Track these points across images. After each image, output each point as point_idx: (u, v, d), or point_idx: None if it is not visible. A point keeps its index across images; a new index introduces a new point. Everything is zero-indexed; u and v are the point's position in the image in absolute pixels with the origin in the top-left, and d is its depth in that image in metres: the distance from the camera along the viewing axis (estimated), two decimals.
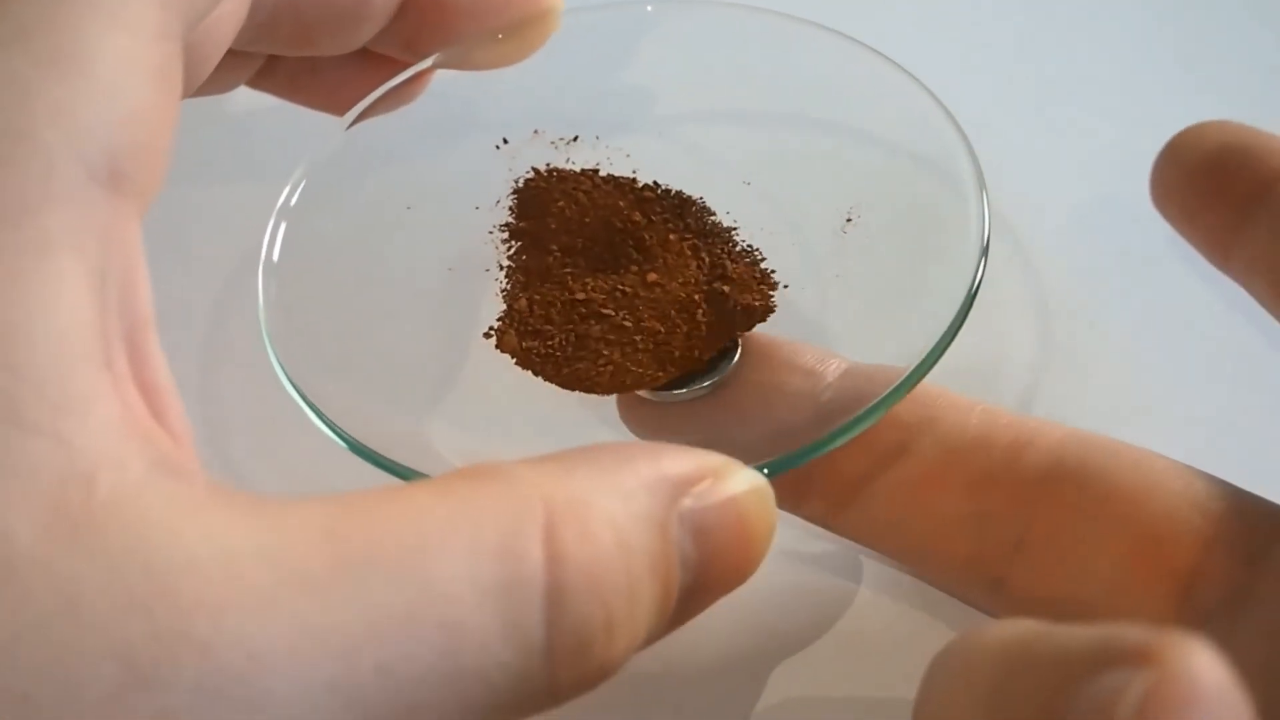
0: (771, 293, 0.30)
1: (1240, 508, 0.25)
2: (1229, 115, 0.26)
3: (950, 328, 0.27)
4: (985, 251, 0.28)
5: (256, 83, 0.34)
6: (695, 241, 0.31)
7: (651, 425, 0.30)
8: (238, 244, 0.36)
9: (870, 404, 0.26)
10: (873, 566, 0.31)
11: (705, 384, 0.29)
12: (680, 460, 0.21)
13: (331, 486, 0.19)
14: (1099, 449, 0.26)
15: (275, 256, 0.29)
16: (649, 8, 0.35)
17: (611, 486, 0.20)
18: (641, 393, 0.29)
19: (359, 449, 0.26)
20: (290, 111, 0.35)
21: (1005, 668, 0.18)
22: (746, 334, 0.29)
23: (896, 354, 0.27)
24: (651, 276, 0.30)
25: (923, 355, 0.26)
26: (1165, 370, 0.35)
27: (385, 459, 0.25)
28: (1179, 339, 0.35)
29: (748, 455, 0.23)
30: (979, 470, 0.27)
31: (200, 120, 0.32)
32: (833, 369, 0.28)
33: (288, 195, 0.30)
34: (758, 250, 0.31)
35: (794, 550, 0.31)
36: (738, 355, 0.29)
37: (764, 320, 0.30)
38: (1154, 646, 0.16)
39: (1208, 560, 0.24)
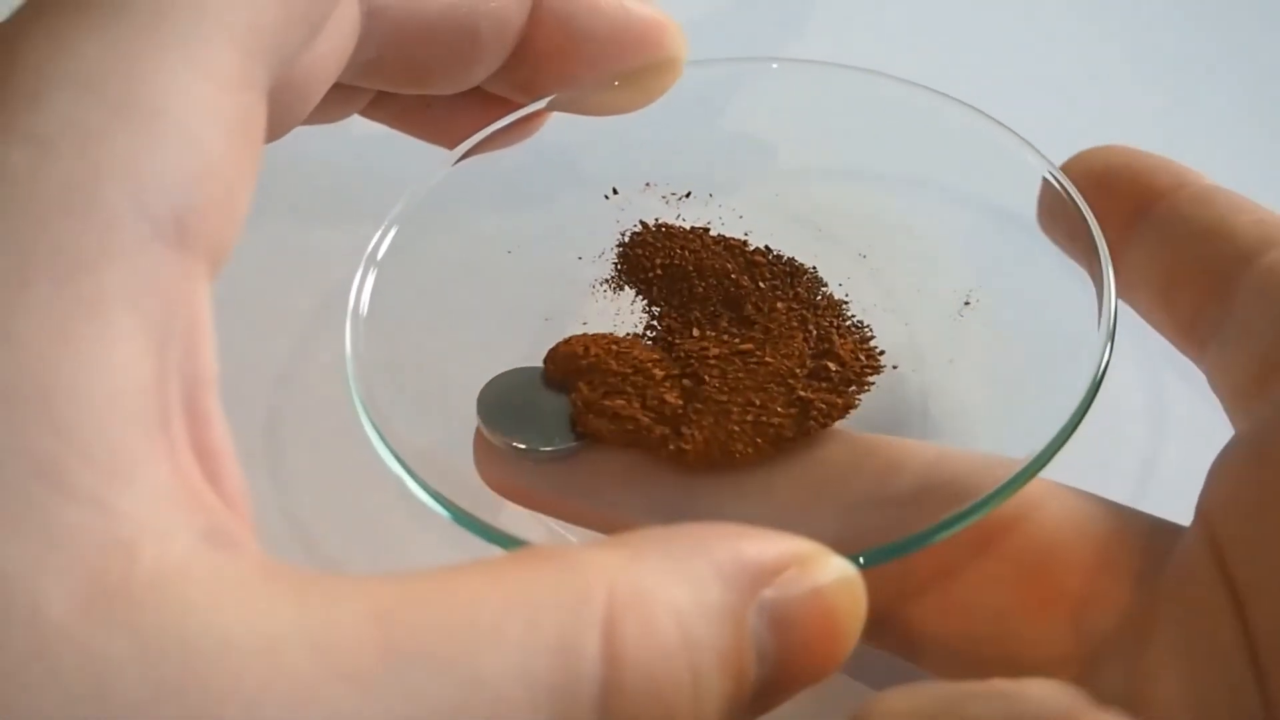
0: (873, 376, 0.29)
1: (1125, 526, 0.25)
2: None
3: (1073, 417, 0.25)
4: (1111, 337, 0.26)
5: (369, 113, 0.33)
6: (804, 313, 0.30)
7: (506, 479, 0.28)
8: (323, 279, 0.36)
9: (991, 491, 0.24)
10: None
11: (571, 445, 0.28)
12: (763, 546, 0.20)
13: (403, 544, 0.18)
14: (971, 472, 0.25)
15: (364, 309, 0.28)
16: (774, 65, 0.34)
17: (682, 574, 0.19)
18: (493, 439, 0.28)
19: (460, 517, 0.24)
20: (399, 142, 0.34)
21: None
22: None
23: (1012, 442, 0.25)
24: (749, 346, 0.29)
25: (1044, 444, 0.24)
26: None
27: (489, 528, 0.24)
28: None
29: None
30: (848, 499, 0.26)
31: (307, 146, 0.31)
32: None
33: (376, 243, 0.29)
34: (868, 327, 0.30)
35: None
36: None
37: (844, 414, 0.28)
38: None
39: (1096, 583, 0.24)
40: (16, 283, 0.17)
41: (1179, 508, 0.25)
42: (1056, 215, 0.28)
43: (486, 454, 0.28)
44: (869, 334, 0.30)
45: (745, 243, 0.31)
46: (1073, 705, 0.16)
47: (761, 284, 0.30)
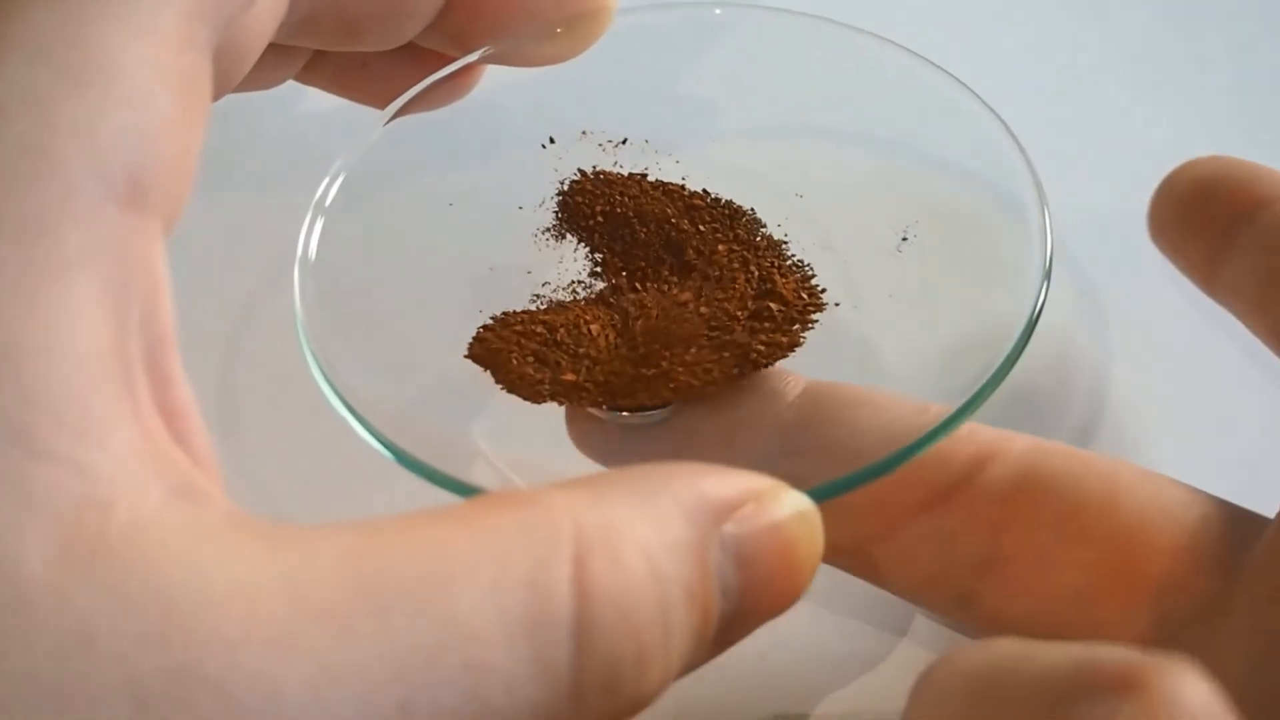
0: (816, 314, 0.29)
1: (1211, 515, 0.25)
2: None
3: (1011, 354, 0.26)
4: (1048, 275, 0.27)
5: (304, 77, 0.33)
6: (745, 254, 0.30)
7: (601, 448, 0.29)
8: (271, 248, 0.35)
9: (937, 424, 0.25)
10: (846, 587, 0.29)
11: (663, 409, 0.28)
12: (722, 483, 0.20)
13: (365, 502, 0.18)
14: (1064, 459, 0.26)
15: (312, 255, 0.28)
16: (717, 11, 0.34)
17: (647, 512, 0.19)
18: (595, 412, 0.28)
19: (409, 461, 0.25)
20: (333, 106, 0.34)
21: (985, 693, 0.18)
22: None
23: (952, 380, 0.26)
24: (687, 295, 0.29)
25: (982, 381, 0.25)
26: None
27: (437, 471, 0.24)
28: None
29: None
30: (939, 486, 0.26)
31: (242, 117, 0.31)
32: (790, 387, 0.28)
33: (324, 191, 0.29)
34: (809, 266, 0.30)
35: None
36: None
37: (788, 353, 0.28)
38: (1137, 671, 0.15)
39: (1179, 569, 0.24)
40: None
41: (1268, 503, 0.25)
42: (1165, 225, 0.28)
43: (579, 420, 0.29)
44: (810, 272, 0.30)
45: (683, 187, 0.32)
46: (1143, 654, 0.16)
47: (702, 227, 0.31)
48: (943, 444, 0.25)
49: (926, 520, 0.26)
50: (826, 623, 0.30)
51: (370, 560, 0.17)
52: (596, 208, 0.31)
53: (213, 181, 0.36)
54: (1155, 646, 0.23)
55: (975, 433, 0.26)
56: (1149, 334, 0.35)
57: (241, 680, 0.16)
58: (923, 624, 0.29)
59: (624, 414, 0.28)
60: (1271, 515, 0.24)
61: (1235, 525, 0.25)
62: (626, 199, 0.31)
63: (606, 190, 0.32)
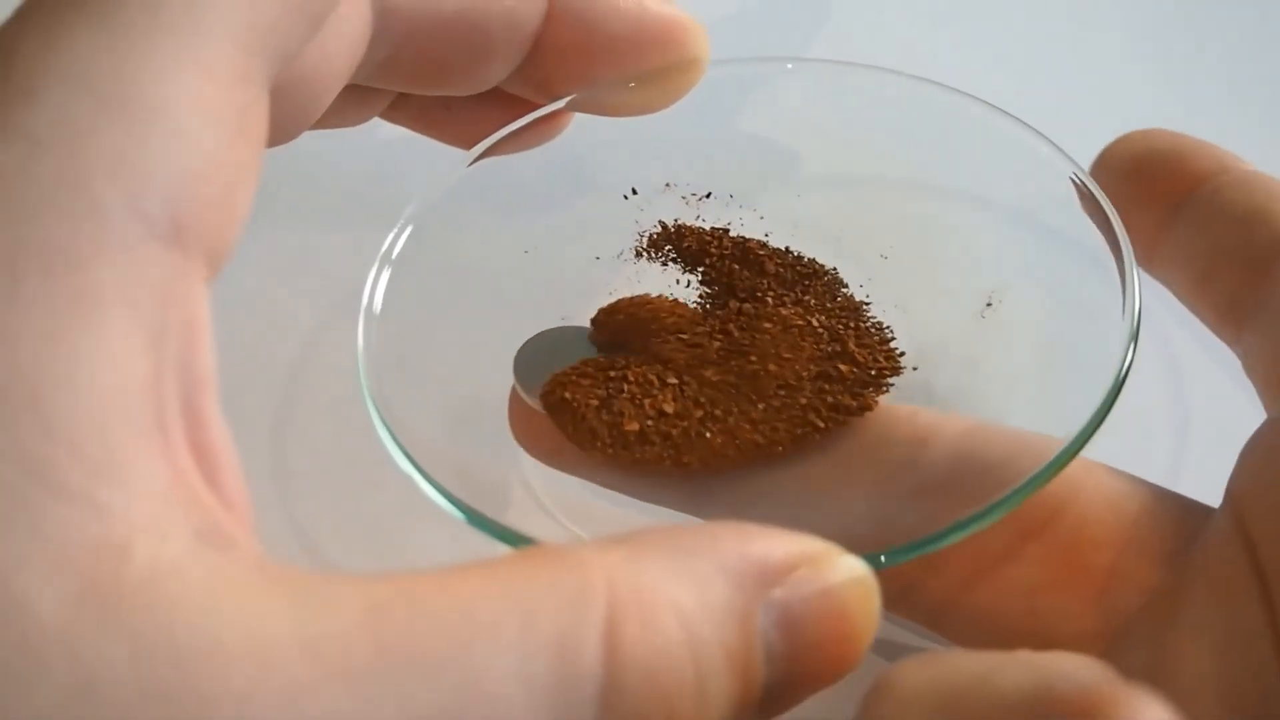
0: (892, 378, 0.28)
1: (1155, 506, 0.25)
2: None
3: (1096, 415, 0.24)
4: (1135, 337, 0.26)
5: (389, 115, 0.33)
6: (819, 314, 0.29)
7: (539, 439, 0.28)
8: (334, 282, 0.35)
9: (1017, 485, 0.24)
10: None
11: None
12: (771, 544, 0.20)
13: (415, 548, 0.18)
14: (1003, 444, 0.25)
15: (377, 307, 0.28)
16: (791, 66, 0.33)
17: (686, 573, 0.19)
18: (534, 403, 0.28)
19: (479, 521, 0.24)
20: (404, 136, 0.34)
21: (942, 714, 0.17)
22: None
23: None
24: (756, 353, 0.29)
25: (1072, 437, 0.24)
26: None
27: (502, 528, 0.24)
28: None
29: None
30: (879, 471, 0.26)
31: (325, 148, 0.31)
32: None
33: (392, 241, 0.29)
34: (889, 329, 0.29)
35: None
36: None
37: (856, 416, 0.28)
38: (1095, 696, 0.16)
39: (1124, 562, 0.24)
40: (8, 279, 0.17)
41: (1210, 492, 0.25)
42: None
43: (521, 413, 0.28)
44: (889, 335, 0.29)
45: (762, 244, 0.31)
46: (1100, 678, 0.16)
47: (777, 287, 0.30)
48: (883, 423, 0.26)
49: (864, 508, 0.26)
50: None
51: (393, 616, 0.17)
52: (674, 252, 0.31)
53: (286, 213, 0.36)
54: (1105, 639, 0.24)
55: (915, 414, 0.26)
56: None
57: None
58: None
59: None
60: (1216, 504, 0.24)
61: (1178, 515, 0.25)
62: (707, 252, 0.31)
63: (685, 240, 0.31)
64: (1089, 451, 0.24)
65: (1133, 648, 0.23)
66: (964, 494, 0.24)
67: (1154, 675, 0.22)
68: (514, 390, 0.28)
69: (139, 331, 0.18)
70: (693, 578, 0.19)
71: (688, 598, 0.18)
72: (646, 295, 0.30)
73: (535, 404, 0.28)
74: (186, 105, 0.19)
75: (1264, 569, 0.22)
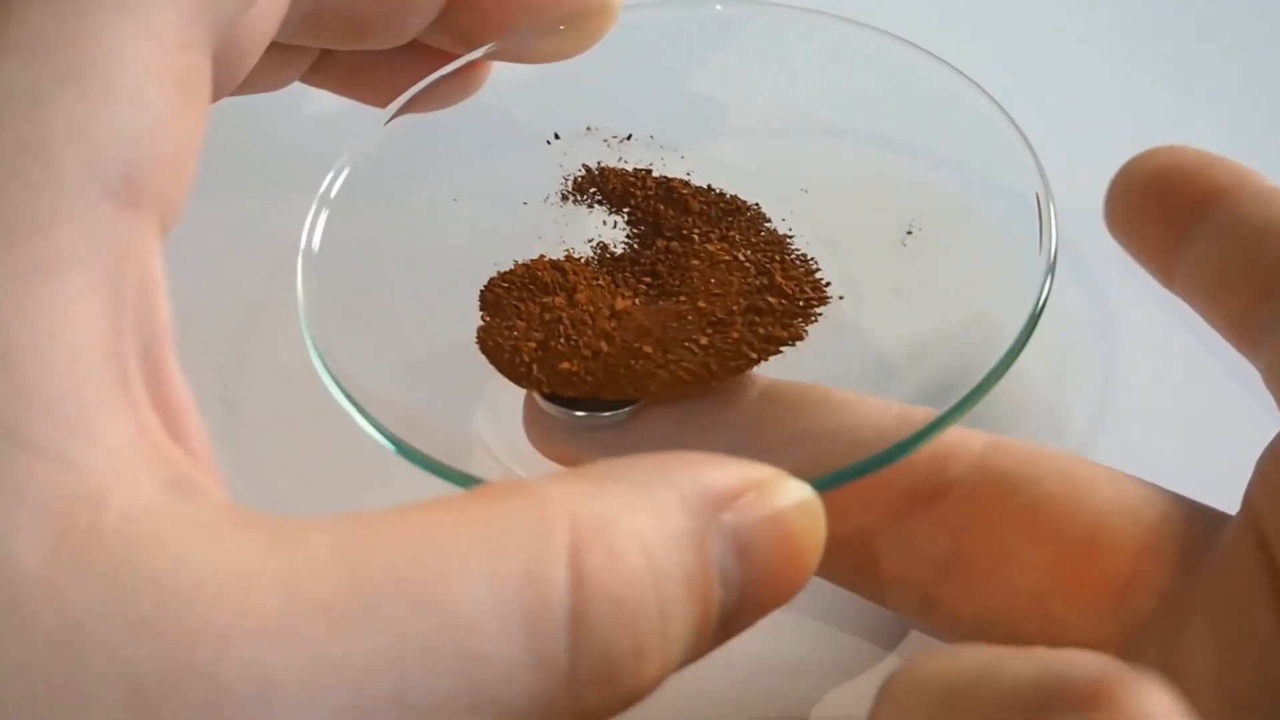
0: (819, 307, 0.29)
1: (1172, 512, 0.25)
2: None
3: (1013, 347, 0.25)
4: (1052, 269, 0.27)
5: (311, 78, 0.33)
6: (744, 249, 0.30)
7: (559, 450, 0.29)
8: (275, 247, 0.36)
9: (944, 412, 0.25)
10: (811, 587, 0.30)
11: (624, 409, 0.28)
12: (722, 472, 0.20)
13: (368, 498, 0.18)
14: (1024, 457, 0.26)
15: (315, 247, 0.28)
16: (718, 7, 0.34)
17: (644, 503, 0.19)
18: (550, 410, 0.28)
19: (410, 453, 0.24)
20: (339, 106, 0.34)
21: (952, 704, 0.18)
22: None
23: (957, 371, 0.26)
24: (684, 291, 0.29)
25: (985, 372, 0.25)
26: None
27: (437, 462, 0.24)
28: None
29: None
30: (902, 488, 0.26)
31: (246, 118, 0.31)
32: (749, 387, 0.28)
33: (328, 185, 0.29)
34: (812, 260, 0.30)
35: None
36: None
37: (789, 345, 0.28)
38: (1104, 683, 0.16)
39: (1141, 567, 0.24)
40: None
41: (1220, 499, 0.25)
42: (1120, 216, 0.28)
43: (537, 421, 0.29)
44: (814, 266, 0.30)
45: (685, 183, 0.32)
46: (1110, 667, 0.16)
47: (703, 224, 0.31)
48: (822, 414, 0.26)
49: (888, 523, 0.26)
50: (818, 631, 0.30)
51: (366, 552, 0.17)
52: (599, 195, 0.31)
53: (217, 181, 0.36)
54: (1119, 645, 0.24)
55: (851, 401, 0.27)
56: (1155, 335, 0.35)
57: (233, 671, 0.16)
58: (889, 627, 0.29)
59: (580, 414, 0.28)
60: (1234, 512, 0.24)
61: (1196, 522, 0.25)
62: (631, 193, 0.31)
63: (609, 183, 0.32)
64: (1110, 461, 0.25)
65: (1146, 652, 0.23)
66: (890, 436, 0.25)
67: (1167, 677, 0.22)
68: (529, 398, 0.29)
69: (99, 293, 0.18)
70: (650, 506, 0.19)
71: (647, 526, 0.19)
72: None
73: (551, 409, 0.28)
74: (137, 70, 0.19)
75: (1278, 577, 0.22)
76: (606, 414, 0.28)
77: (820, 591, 0.28)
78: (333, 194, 0.29)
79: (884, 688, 0.19)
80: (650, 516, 0.19)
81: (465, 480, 0.24)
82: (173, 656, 0.16)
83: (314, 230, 0.28)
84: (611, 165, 0.32)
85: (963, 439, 0.26)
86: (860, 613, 0.29)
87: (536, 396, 0.28)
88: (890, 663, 0.29)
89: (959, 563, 0.25)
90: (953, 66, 0.31)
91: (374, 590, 0.17)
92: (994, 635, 0.25)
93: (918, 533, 0.26)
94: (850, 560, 0.27)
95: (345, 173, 0.30)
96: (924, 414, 0.25)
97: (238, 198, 0.38)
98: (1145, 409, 0.33)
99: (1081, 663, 0.16)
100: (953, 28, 0.42)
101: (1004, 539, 0.25)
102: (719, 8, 0.34)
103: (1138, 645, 0.24)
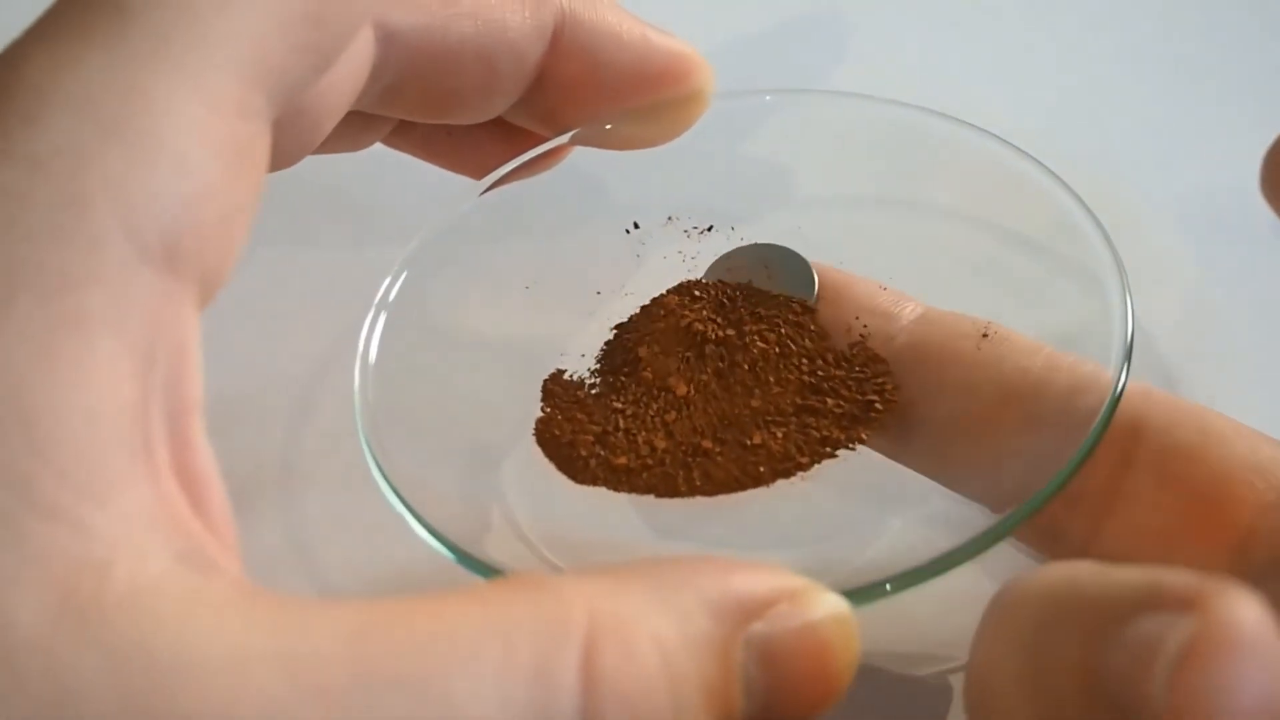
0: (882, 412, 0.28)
1: None
2: None
3: (1092, 435, 0.25)
4: (1128, 356, 0.26)
5: (391, 141, 0.33)
6: (804, 344, 0.29)
7: None
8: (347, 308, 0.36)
9: (1006, 515, 0.24)
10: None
11: None
12: (753, 578, 0.20)
13: (407, 576, 0.18)
14: (1163, 405, 0.26)
15: (373, 355, 0.28)
16: (797, 96, 0.34)
17: (666, 604, 0.19)
18: None
19: (464, 558, 0.24)
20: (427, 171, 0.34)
21: (1050, 608, 0.18)
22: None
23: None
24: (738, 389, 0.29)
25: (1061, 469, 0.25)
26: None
27: (490, 567, 0.24)
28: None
29: None
30: (1034, 411, 0.26)
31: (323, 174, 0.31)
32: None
33: (388, 286, 0.29)
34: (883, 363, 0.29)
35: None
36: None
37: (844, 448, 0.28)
38: (1198, 592, 0.16)
39: (1265, 524, 0.24)
40: (1, 299, 0.17)
41: None
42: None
43: None
44: (882, 370, 0.29)
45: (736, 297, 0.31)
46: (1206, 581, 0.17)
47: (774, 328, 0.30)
48: (1041, 372, 0.27)
49: (1016, 442, 0.26)
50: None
51: (373, 639, 0.17)
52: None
53: (291, 230, 0.36)
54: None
55: (1076, 365, 0.27)
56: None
57: None
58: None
59: None
60: None
61: None
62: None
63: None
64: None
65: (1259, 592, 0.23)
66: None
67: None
68: None
69: (128, 356, 0.18)
70: (673, 609, 0.19)
71: (668, 629, 0.19)
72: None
73: None
74: (188, 135, 0.19)
75: None
76: None
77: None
78: (391, 295, 0.29)
79: (991, 603, 0.20)
80: (671, 619, 0.19)
81: (490, 573, 0.24)
82: None
83: (371, 334, 0.28)
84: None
85: (1099, 375, 0.26)
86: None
87: None
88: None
89: (1087, 495, 0.25)
90: (1026, 153, 0.30)
91: (376, 680, 0.17)
92: None
93: (1044, 456, 0.25)
94: (977, 479, 0.27)
95: (407, 271, 0.29)
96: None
97: (304, 247, 0.38)
98: None
99: (1180, 574, 0.17)
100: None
101: (1134, 479, 0.25)
102: (797, 97, 0.34)
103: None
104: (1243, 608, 0.16)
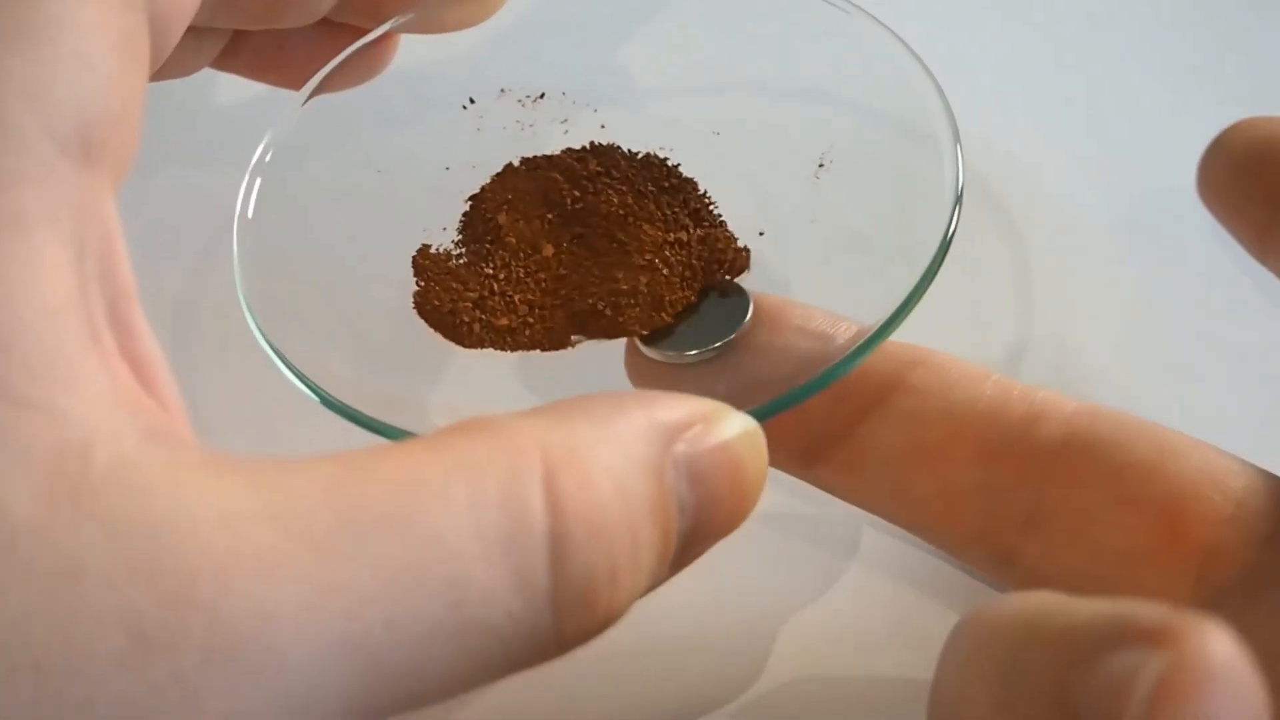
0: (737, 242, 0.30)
1: (1258, 485, 0.25)
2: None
3: (926, 274, 0.26)
4: (959, 200, 0.27)
5: (222, 64, 0.33)
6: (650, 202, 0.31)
7: (661, 387, 0.29)
8: (203, 227, 0.36)
9: (847, 353, 0.26)
10: (873, 540, 0.31)
11: (715, 345, 0.29)
12: (673, 406, 0.21)
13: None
14: (1115, 423, 0.26)
15: (250, 213, 0.29)
16: None
17: (607, 435, 0.20)
18: (650, 354, 0.29)
19: (334, 405, 0.25)
20: (250, 93, 0.34)
21: (1019, 641, 0.18)
22: (758, 296, 0.29)
23: (870, 302, 0.27)
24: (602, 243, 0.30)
25: (898, 304, 0.26)
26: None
27: (362, 415, 0.25)
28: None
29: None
30: (991, 441, 0.26)
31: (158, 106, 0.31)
32: (843, 332, 0.28)
33: (259, 156, 0.30)
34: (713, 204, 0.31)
35: (794, 521, 0.31)
36: (749, 316, 0.29)
37: (744, 266, 0.30)
38: (1169, 627, 0.16)
39: (1225, 538, 0.24)
40: None
41: None
42: (1216, 186, 0.27)
43: (639, 366, 0.30)
44: (711, 204, 0.31)
45: (585, 157, 0.32)
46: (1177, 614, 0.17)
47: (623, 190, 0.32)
48: (994, 402, 0.26)
49: (974, 475, 0.26)
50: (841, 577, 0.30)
51: (350, 487, 0.18)
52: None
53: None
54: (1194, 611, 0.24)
55: (1028, 393, 0.27)
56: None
57: (232, 603, 0.17)
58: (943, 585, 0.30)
59: (686, 353, 0.29)
60: None
61: None
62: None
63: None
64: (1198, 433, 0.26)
65: (1221, 620, 0.23)
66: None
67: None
68: (632, 345, 0.30)
69: (64, 247, 0.19)
70: (613, 439, 0.20)
71: (613, 456, 0.20)
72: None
73: (653, 354, 0.29)
74: (83, 30, 0.20)
75: None
76: (693, 353, 0.29)
77: (887, 549, 0.29)
78: (264, 163, 0.30)
79: (953, 634, 0.20)
80: (614, 447, 0.20)
81: (396, 434, 0.25)
82: (172, 593, 0.16)
83: (248, 199, 0.29)
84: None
85: (1055, 401, 0.26)
86: (922, 571, 0.30)
87: (637, 341, 0.29)
88: (926, 612, 0.30)
89: (1041, 519, 0.26)
90: (860, 8, 0.31)
91: (360, 522, 0.18)
92: (1076, 592, 0.25)
93: (1000, 486, 0.26)
94: (929, 511, 0.27)
95: (271, 149, 0.30)
96: (850, 332, 0.26)
97: (166, 172, 0.38)
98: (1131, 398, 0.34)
99: (1149, 607, 0.16)
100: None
101: (1089, 500, 0.25)
102: None
103: (1214, 614, 0.23)
104: (1215, 642, 0.16)
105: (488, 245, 0.31)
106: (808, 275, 0.31)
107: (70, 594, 0.16)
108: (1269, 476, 0.25)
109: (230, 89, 0.35)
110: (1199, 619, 0.16)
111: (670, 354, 0.29)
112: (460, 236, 0.31)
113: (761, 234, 0.31)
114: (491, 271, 0.30)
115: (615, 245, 0.30)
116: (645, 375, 0.30)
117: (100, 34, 0.20)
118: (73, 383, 0.18)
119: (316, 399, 0.26)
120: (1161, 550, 0.25)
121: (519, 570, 0.19)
